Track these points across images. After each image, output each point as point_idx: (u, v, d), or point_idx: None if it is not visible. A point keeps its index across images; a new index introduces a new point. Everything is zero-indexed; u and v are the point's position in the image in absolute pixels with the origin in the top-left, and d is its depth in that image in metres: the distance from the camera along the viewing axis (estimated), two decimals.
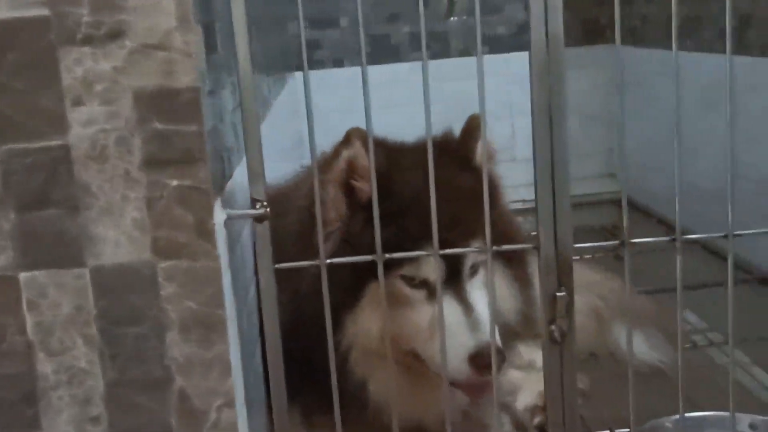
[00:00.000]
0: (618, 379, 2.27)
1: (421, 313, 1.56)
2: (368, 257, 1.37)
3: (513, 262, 1.66)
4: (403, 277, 1.57)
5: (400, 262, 1.54)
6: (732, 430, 1.79)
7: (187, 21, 1.18)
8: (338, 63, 4.11)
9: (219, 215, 1.27)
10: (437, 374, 1.53)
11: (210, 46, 1.33)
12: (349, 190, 1.58)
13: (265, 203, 1.32)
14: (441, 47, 4.16)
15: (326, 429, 1.68)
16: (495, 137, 1.69)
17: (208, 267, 1.24)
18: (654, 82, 3.59)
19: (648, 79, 3.65)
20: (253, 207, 1.32)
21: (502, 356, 1.48)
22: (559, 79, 1.31)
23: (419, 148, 1.69)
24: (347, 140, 1.57)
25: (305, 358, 1.50)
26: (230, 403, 1.28)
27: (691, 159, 3.21)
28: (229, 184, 1.39)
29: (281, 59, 3.44)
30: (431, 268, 1.52)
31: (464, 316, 1.53)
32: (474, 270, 1.61)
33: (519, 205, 4.27)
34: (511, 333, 1.71)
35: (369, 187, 1.49)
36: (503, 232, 1.63)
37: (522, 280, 1.72)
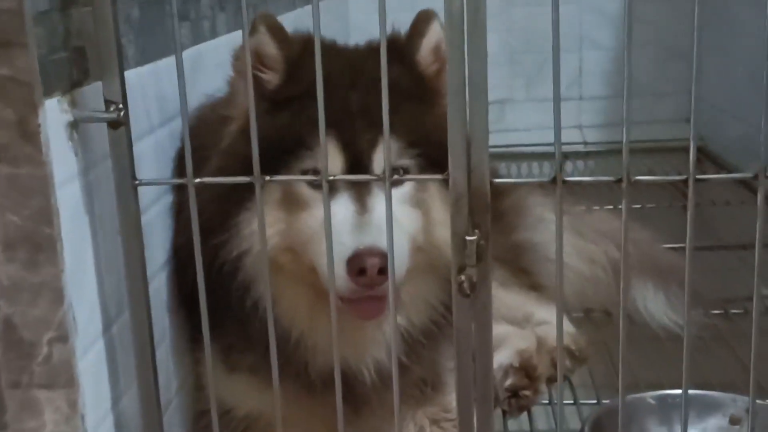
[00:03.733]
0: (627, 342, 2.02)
1: (317, 215, 1.33)
2: (245, 178, 1.16)
3: None
4: (304, 174, 1.35)
5: (299, 155, 1.34)
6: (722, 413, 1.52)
7: None
8: None
9: (56, 116, 1.07)
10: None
11: None
12: (255, 81, 1.38)
13: (120, 106, 1.11)
14: None
15: (243, 369, 1.50)
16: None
17: (33, 175, 1.05)
18: (742, 15, 3.18)
19: (733, 11, 3.24)
20: (107, 109, 1.11)
21: (383, 261, 1.24)
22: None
23: (354, 48, 1.51)
24: (253, 28, 1.36)
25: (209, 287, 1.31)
26: (63, 337, 1.09)
27: None
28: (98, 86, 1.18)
29: None
30: (331, 162, 1.29)
31: (354, 216, 1.30)
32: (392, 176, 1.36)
33: (581, 147, 3.95)
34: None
35: (273, 77, 1.38)
36: (442, 141, 1.38)
37: None
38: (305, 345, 1.44)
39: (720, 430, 1.52)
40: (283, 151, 1.33)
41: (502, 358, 1.79)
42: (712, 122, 3.42)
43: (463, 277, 1.12)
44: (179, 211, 1.50)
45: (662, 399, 1.56)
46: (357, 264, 1.26)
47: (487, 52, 1.08)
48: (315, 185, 1.34)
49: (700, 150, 3.59)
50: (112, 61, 1.10)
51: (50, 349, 1.10)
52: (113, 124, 1.11)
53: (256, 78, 1.37)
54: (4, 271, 1.08)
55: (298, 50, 1.41)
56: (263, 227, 1.16)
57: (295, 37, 1.46)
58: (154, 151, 1.43)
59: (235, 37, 1.90)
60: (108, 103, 1.11)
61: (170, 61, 1.49)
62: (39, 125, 1.03)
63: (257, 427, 1.53)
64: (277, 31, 1.40)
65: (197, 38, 1.68)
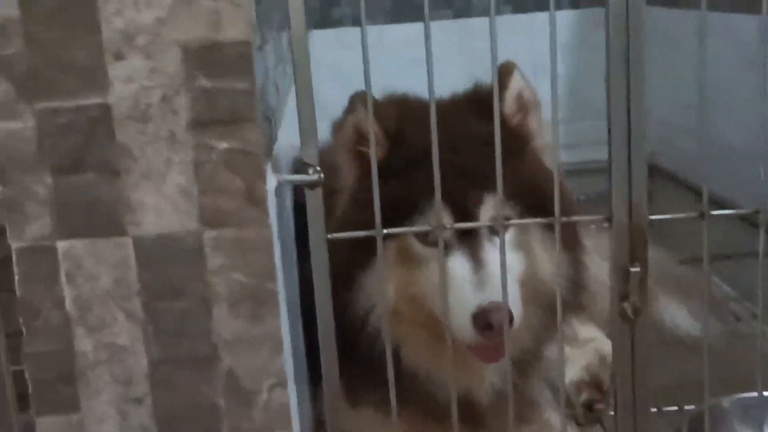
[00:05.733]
0: (659, 352, 2.21)
1: (434, 270, 1.44)
2: (426, 228, 1.28)
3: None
4: (416, 234, 1.46)
5: (411, 217, 1.44)
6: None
7: None
8: (357, 21, 3.98)
9: (270, 181, 1.17)
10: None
11: None
12: (359, 155, 1.50)
13: (318, 168, 1.21)
14: (464, 5, 4.05)
15: (369, 404, 1.60)
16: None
17: (258, 237, 1.14)
18: (687, 44, 3.46)
19: (682, 40, 3.53)
20: (306, 172, 1.21)
21: (510, 317, 1.36)
22: (638, 31, 1.20)
23: (440, 103, 1.62)
24: (351, 107, 1.49)
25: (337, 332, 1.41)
26: (282, 383, 1.19)
27: (725, 121, 3.08)
28: (275, 148, 1.28)
29: None
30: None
31: (472, 273, 1.42)
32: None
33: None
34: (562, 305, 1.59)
35: (377, 151, 1.43)
36: (538, 187, 1.49)
37: (568, 245, 1.58)
38: (432, 382, 1.56)
39: None
40: (397, 218, 1.42)
41: (573, 374, 1.95)
42: (659, 137, 3.67)
43: (626, 304, 1.27)
44: None
45: (737, 403, 1.73)
46: (484, 320, 1.39)
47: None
48: (428, 242, 1.46)
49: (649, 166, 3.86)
50: (312, 128, 1.20)
51: (270, 395, 1.19)
52: (311, 185, 1.22)
53: (361, 153, 1.49)
54: (229, 327, 1.16)
55: (396, 121, 1.52)
56: (444, 281, 1.28)
57: (389, 105, 1.56)
58: None
59: None
60: (306, 166, 1.21)
61: None
62: (266, 191, 1.13)
63: None
64: (374, 107, 1.50)
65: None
